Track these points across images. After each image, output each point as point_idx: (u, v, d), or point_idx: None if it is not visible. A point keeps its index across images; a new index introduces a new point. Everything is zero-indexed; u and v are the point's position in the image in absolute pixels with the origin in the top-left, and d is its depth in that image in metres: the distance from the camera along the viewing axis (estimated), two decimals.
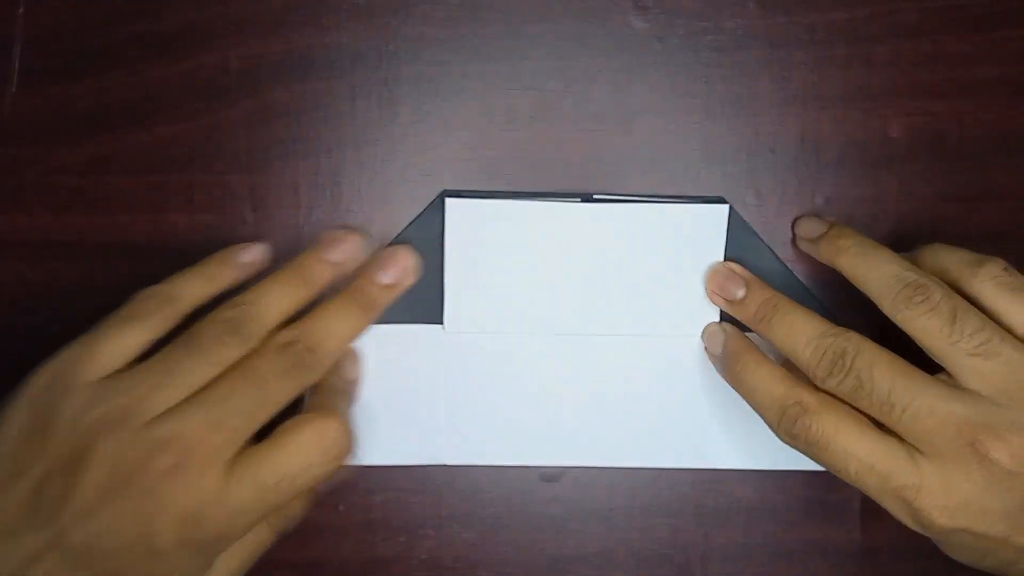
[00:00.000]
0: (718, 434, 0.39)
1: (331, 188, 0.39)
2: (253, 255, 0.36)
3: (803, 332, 0.34)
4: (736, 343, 0.37)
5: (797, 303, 0.35)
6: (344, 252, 0.36)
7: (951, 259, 0.34)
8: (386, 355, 0.38)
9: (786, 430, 0.33)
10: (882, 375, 0.32)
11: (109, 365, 0.32)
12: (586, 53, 0.38)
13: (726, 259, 0.38)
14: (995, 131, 0.39)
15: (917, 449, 0.31)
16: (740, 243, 0.38)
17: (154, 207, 0.38)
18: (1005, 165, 0.39)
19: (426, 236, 0.38)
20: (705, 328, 0.38)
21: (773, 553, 0.40)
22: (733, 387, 0.36)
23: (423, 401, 0.39)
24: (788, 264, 0.39)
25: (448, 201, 0.38)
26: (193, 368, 0.31)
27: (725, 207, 0.38)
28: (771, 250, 0.39)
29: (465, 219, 0.38)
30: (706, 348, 0.38)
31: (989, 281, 0.33)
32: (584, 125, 0.39)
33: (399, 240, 0.38)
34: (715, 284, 0.38)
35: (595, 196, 0.38)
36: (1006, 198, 0.39)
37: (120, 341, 0.32)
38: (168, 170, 0.38)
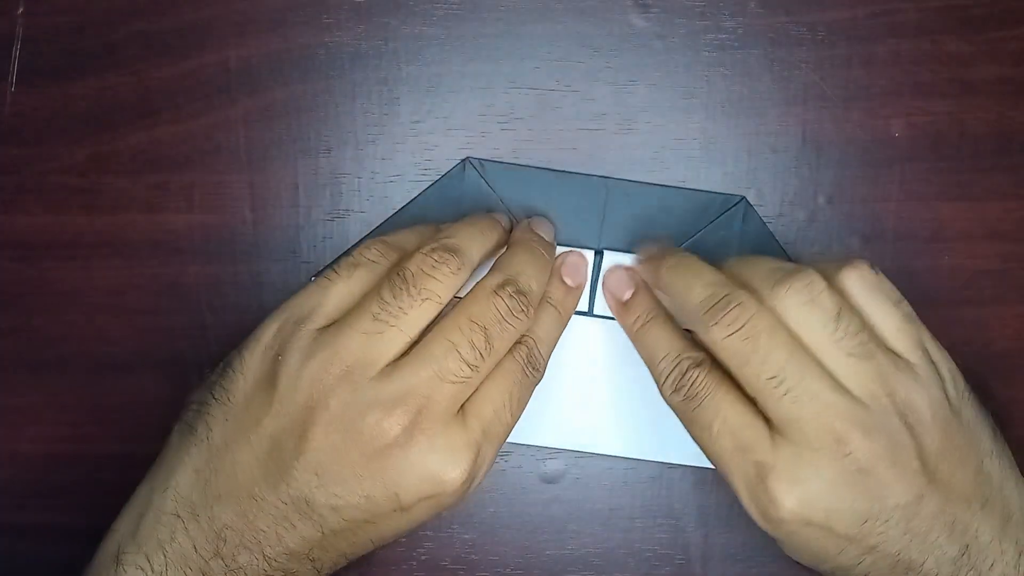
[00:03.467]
0: None
1: (331, 188, 0.39)
2: (504, 219, 0.37)
3: (706, 277, 0.33)
4: (644, 298, 0.36)
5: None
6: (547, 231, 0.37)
7: (817, 263, 0.33)
8: None
9: (674, 380, 0.33)
10: (781, 346, 0.31)
11: (335, 312, 0.32)
12: (586, 53, 0.38)
13: (739, 253, 0.38)
14: (995, 131, 0.39)
15: (779, 430, 0.31)
16: (755, 244, 0.39)
17: (154, 207, 0.38)
18: (1005, 165, 0.39)
19: (443, 200, 0.38)
20: (611, 269, 0.38)
21: (773, 553, 0.40)
22: (632, 337, 0.36)
23: None
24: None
25: (469, 164, 0.38)
26: (410, 308, 0.31)
27: (741, 199, 0.38)
28: (786, 252, 0.39)
29: (483, 185, 0.38)
30: (608, 290, 0.38)
31: (855, 278, 0.32)
32: (584, 125, 0.39)
33: (415, 204, 0.38)
34: (611, 283, 0.38)
35: (613, 178, 0.39)
36: (1006, 198, 0.39)
37: (346, 288, 0.32)
38: (168, 170, 0.38)
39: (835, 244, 0.39)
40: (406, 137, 0.38)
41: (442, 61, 0.38)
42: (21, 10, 0.38)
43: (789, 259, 0.39)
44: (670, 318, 0.35)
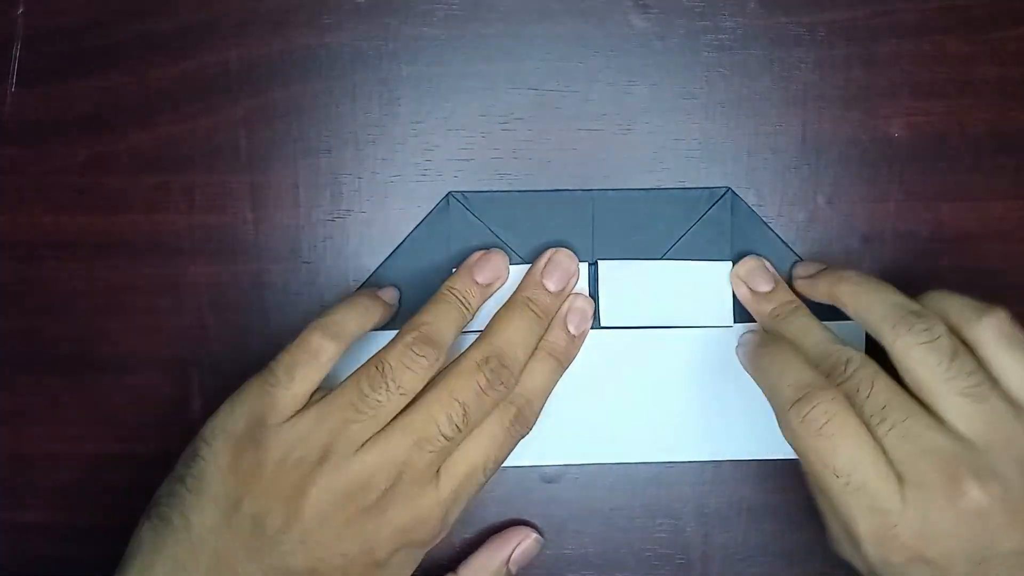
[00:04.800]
0: (720, 427, 0.39)
1: (331, 188, 0.39)
2: (392, 295, 0.38)
3: (813, 335, 0.35)
4: (770, 336, 0.37)
5: (814, 315, 0.36)
6: (491, 272, 0.37)
7: (954, 303, 0.34)
8: None
9: (800, 408, 0.32)
10: (881, 388, 0.32)
11: (292, 407, 0.33)
12: (586, 53, 0.38)
13: (733, 244, 0.39)
14: (995, 131, 0.39)
15: (902, 478, 0.31)
16: (746, 233, 0.39)
17: (154, 207, 0.38)
18: (1005, 165, 0.39)
19: (433, 237, 0.39)
20: (742, 335, 0.38)
21: (773, 553, 0.40)
22: (755, 369, 0.36)
23: None
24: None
25: (452, 198, 0.38)
26: (388, 401, 0.33)
27: (727, 190, 0.38)
28: (779, 237, 0.39)
29: (469, 217, 0.38)
30: (738, 346, 0.38)
31: (991, 331, 0.33)
32: (584, 125, 0.39)
33: (405, 246, 0.39)
34: (744, 271, 0.38)
35: (597, 190, 0.39)
36: (1006, 198, 0.39)
37: (295, 387, 0.33)
38: (168, 170, 0.38)
39: (835, 244, 0.39)
40: (406, 137, 0.38)
41: (442, 61, 0.38)
42: (21, 10, 0.38)
43: (787, 246, 0.39)
44: (802, 358, 0.35)
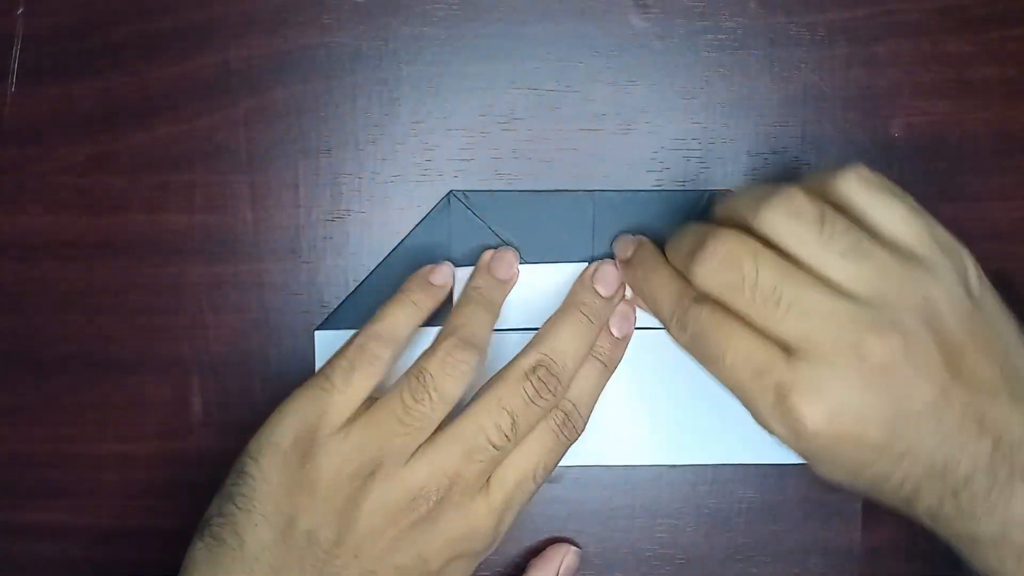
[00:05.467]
0: (718, 429, 0.39)
1: (331, 188, 0.39)
2: (445, 276, 0.37)
3: (690, 231, 0.33)
4: (644, 251, 0.37)
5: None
6: (509, 267, 0.38)
7: (813, 177, 0.33)
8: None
9: (679, 320, 0.33)
10: (767, 267, 0.31)
11: (346, 414, 0.33)
12: (586, 53, 0.38)
13: None
14: (995, 131, 0.39)
15: (792, 350, 0.30)
16: None
17: (154, 207, 0.38)
18: (1005, 165, 0.39)
19: (433, 236, 0.39)
20: (617, 236, 0.38)
21: (773, 553, 0.40)
22: (635, 290, 0.36)
23: None
24: None
25: (453, 197, 0.38)
26: (432, 411, 0.33)
27: (726, 192, 0.38)
28: None
29: (470, 216, 0.38)
30: (615, 254, 0.38)
31: (853, 180, 0.32)
32: (584, 125, 0.39)
33: (406, 244, 0.39)
34: (616, 248, 0.38)
35: (598, 190, 0.39)
36: (1006, 198, 0.39)
37: (351, 392, 0.33)
38: (168, 170, 0.38)
39: None
40: (406, 137, 0.38)
41: (442, 61, 0.38)
42: (21, 10, 0.38)
43: None
44: (671, 267, 0.35)
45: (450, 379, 0.33)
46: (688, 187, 0.39)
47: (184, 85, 0.38)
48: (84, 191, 0.38)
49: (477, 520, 0.33)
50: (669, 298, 0.34)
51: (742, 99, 0.39)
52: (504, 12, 0.38)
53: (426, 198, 0.39)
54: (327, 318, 0.39)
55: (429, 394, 0.33)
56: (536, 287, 0.38)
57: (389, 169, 0.39)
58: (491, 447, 0.33)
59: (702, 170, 0.39)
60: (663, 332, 0.38)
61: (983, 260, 0.39)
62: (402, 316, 0.35)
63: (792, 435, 0.31)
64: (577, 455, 0.39)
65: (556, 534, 0.40)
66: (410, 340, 0.35)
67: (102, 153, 0.38)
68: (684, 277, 0.33)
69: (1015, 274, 0.39)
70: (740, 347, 0.31)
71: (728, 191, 0.39)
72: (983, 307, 0.31)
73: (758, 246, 0.31)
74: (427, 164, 0.39)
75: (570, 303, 0.36)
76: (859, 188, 0.32)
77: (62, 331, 0.39)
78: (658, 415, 0.39)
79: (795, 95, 0.39)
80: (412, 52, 0.38)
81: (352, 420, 0.33)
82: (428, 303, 0.36)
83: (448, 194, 0.39)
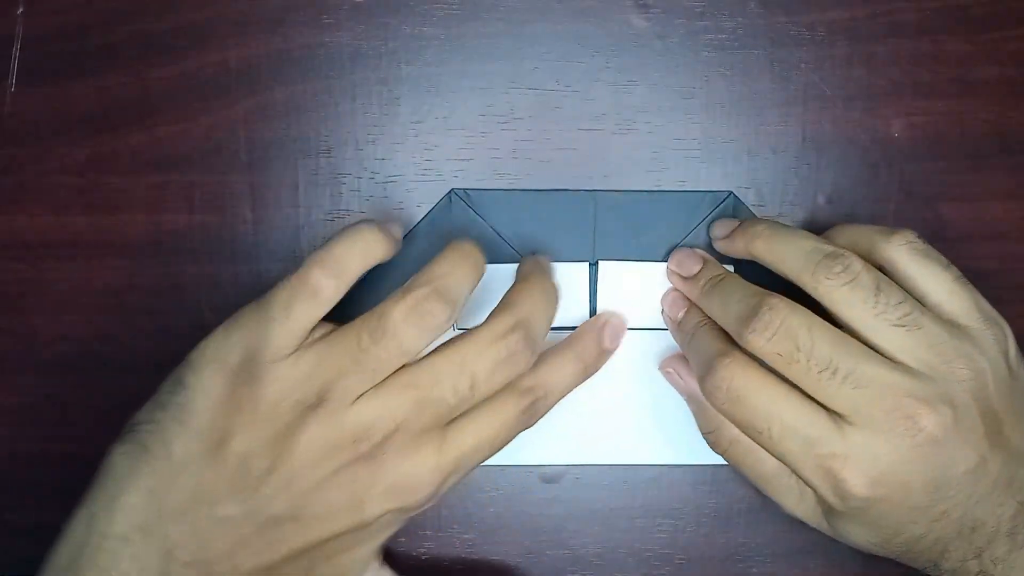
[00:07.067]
0: None
1: (331, 188, 0.39)
2: (397, 230, 0.34)
3: (738, 292, 0.34)
4: (695, 313, 0.37)
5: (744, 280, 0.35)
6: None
7: (861, 232, 0.34)
8: None
9: (709, 382, 0.32)
10: (823, 339, 0.31)
11: (291, 343, 0.31)
12: (586, 53, 0.38)
13: None
14: (995, 131, 0.39)
15: (843, 418, 0.31)
16: None
17: (154, 207, 0.38)
18: (1005, 165, 0.39)
19: (434, 235, 0.38)
20: (666, 293, 0.38)
21: (773, 553, 0.40)
22: (682, 347, 0.37)
23: None
24: None
25: (454, 195, 0.38)
26: (387, 360, 0.31)
27: (729, 194, 0.39)
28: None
29: (471, 214, 0.38)
30: (664, 311, 0.38)
31: (903, 248, 0.33)
32: (584, 125, 0.39)
33: (408, 237, 0.38)
34: (675, 262, 0.38)
35: (599, 190, 0.39)
36: (1006, 198, 0.39)
37: (297, 322, 0.31)
38: (168, 170, 0.38)
39: None
40: (406, 137, 0.38)
41: (442, 61, 0.38)
42: (21, 10, 0.38)
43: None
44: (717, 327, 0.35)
45: (415, 330, 0.31)
46: (688, 187, 0.39)
47: (183, 85, 0.38)
48: (84, 191, 0.38)
49: (423, 473, 0.31)
50: (707, 354, 0.33)
51: (742, 99, 0.39)
52: (504, 12, 0.38)
53: (426, 198, 0.39)
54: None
55: (388, 341, 0.31)
56: None
57: (389, 169, 0.39)
58: (444, 403, 0.31)
59: (702, 170, 0.39)
60: (663, 333, 0.39)
61: (982, 260, 0.39)
62: (354, 249, 0.32)
63: (841, 503, 0.32)
64: (577, 455, 0.39)
65: (556, 534, 0.40)
66: (359, 276, 0.32)
67: (102, 153, 0.38)
68: (727, 334, 0.34)
69: (1015, 274, 0.39)
70: (788, 417, 0.31)
71: (728, 191, 0.39)
72: (1020, 377, 0.33)
73: (813, 318, 0.32)
74: (427, 164, 0.39)
75: (531, 272, 0.34)
76: (908, 256, 0.33)
77: (62, 331, 0.39)
78: (658, 415, 0.39)
79: (795, 95, 0.39)
80: (412, 52, 0.38)
81: (305, 347, 0.31)
82: (381, 246, 0.33)
83: (449, 192, 0.39)
